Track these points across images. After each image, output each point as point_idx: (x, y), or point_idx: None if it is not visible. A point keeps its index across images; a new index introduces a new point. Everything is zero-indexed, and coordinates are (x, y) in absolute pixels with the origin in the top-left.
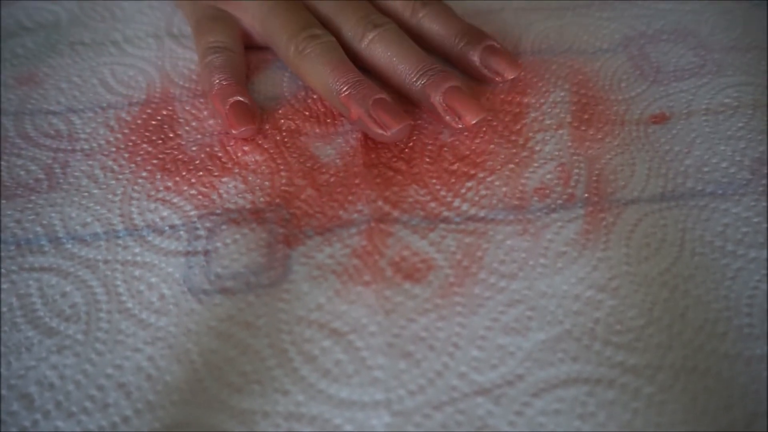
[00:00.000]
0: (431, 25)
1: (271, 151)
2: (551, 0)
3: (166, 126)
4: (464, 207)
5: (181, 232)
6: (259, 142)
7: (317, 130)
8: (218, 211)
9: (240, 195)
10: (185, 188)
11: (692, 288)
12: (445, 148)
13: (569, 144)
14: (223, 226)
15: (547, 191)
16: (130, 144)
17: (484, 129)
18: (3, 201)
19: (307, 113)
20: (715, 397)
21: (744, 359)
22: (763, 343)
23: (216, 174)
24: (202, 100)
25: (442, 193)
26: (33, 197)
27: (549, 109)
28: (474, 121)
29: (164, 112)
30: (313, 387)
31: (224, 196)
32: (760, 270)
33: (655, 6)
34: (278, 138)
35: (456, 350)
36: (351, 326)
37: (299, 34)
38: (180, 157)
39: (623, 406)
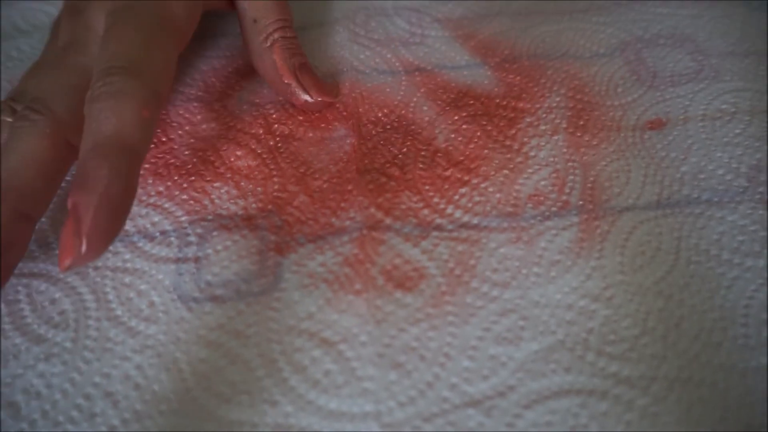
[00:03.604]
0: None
1: (264, 156)
2: (548, 2)
3: (158, 130)
4: (457, 214)
5: (172, 239)
6: (252, 146)
7: (311, 135)
8: (210, 217)
9: (232, 201)
10: (177, 193)
11: (687, 297)
12: (439, 154)
13: (564, 150)
14: (215, 233)
15: (542, 198)
16: None
17: (479, 134)
18: None
19: (301, 118)
20: (710, 408)
21: (740, 370)
22: (759, 353)
23: (208, 179)
24: (195, 104)
25: (435, 200)
26: None
27: (544, 115)
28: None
29: None
30: (302, 398)
31: (216, 201)
32: (756, 279)
33: (652, 10)
34: (271, 143)
35: (447, 361)
36: (341, 336)
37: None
38: (172, 161)
39: (616, 417)
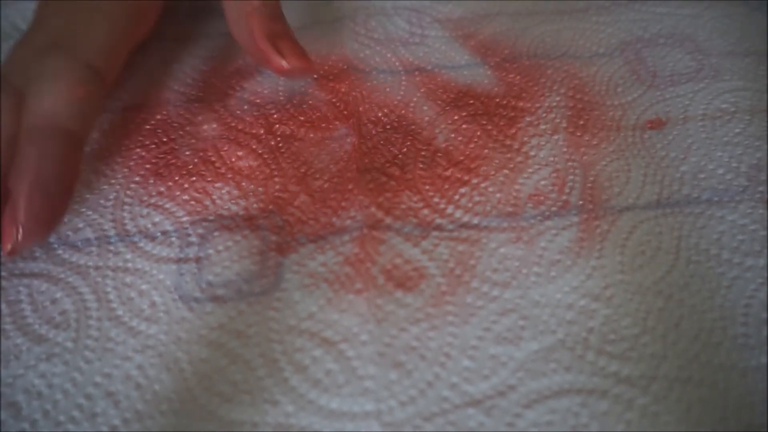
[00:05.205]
0: None
1: (265, 156)
2: (548, 2)
3: (159, 130)
4: (457, 214)
5: (173, 239)
6: (254, 147)
7: (311, 135)
8: (211, 218)
9: (233, 201)
10: (178, 193)
11: (687, 297)
12: (439, 154)
13: (564, 150)
14: (216, 233)
15: (542, 198)
16: (123, 148)
17: (479, 133)
18: None
19: (302, 118)
20: (710, 408)
21: (739, 370)
22: (759, 353)
23: (209, 179)
24: (196, 105)
25: (435, 199)
26: None
27: (544, 114)
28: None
29: (158, 117)
30: (303, 397)
31: (217, 202)
32: (756, 279)
33: (652, 10)
34: (273, 143)
35: (447, 360)
36: (342, 335)
37: None
38: (173, 161)
39: (616, 417)
